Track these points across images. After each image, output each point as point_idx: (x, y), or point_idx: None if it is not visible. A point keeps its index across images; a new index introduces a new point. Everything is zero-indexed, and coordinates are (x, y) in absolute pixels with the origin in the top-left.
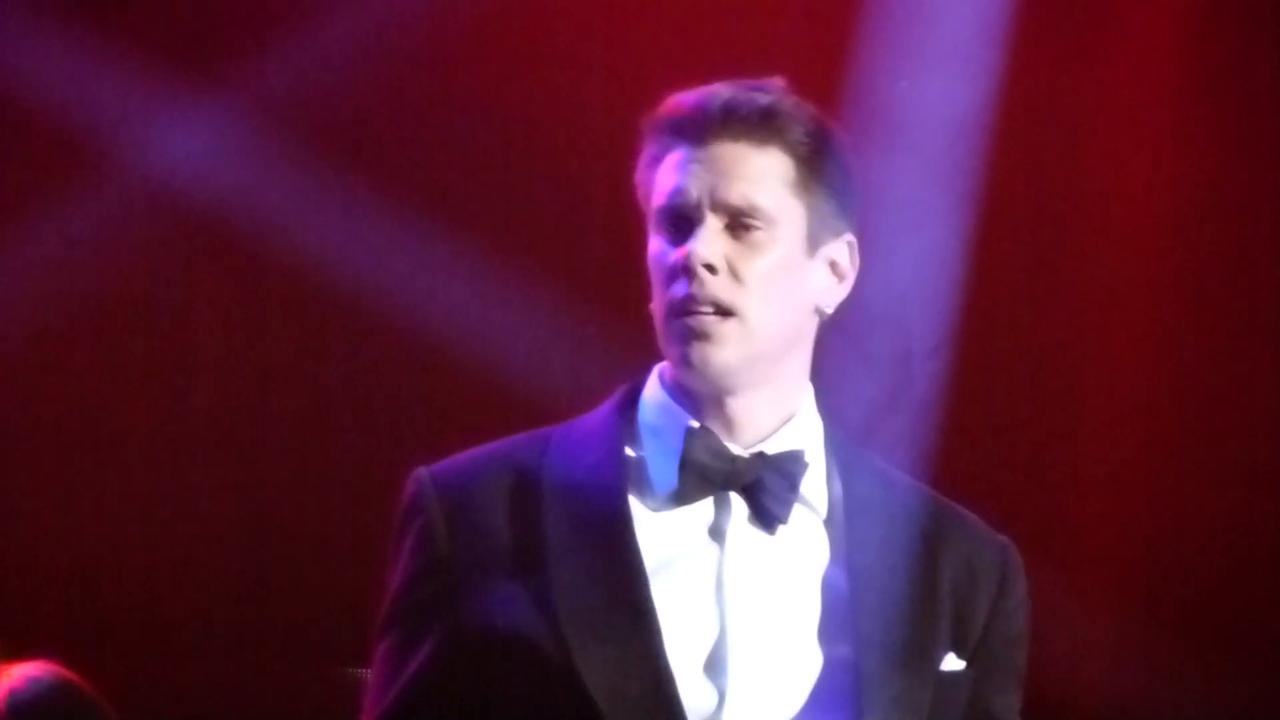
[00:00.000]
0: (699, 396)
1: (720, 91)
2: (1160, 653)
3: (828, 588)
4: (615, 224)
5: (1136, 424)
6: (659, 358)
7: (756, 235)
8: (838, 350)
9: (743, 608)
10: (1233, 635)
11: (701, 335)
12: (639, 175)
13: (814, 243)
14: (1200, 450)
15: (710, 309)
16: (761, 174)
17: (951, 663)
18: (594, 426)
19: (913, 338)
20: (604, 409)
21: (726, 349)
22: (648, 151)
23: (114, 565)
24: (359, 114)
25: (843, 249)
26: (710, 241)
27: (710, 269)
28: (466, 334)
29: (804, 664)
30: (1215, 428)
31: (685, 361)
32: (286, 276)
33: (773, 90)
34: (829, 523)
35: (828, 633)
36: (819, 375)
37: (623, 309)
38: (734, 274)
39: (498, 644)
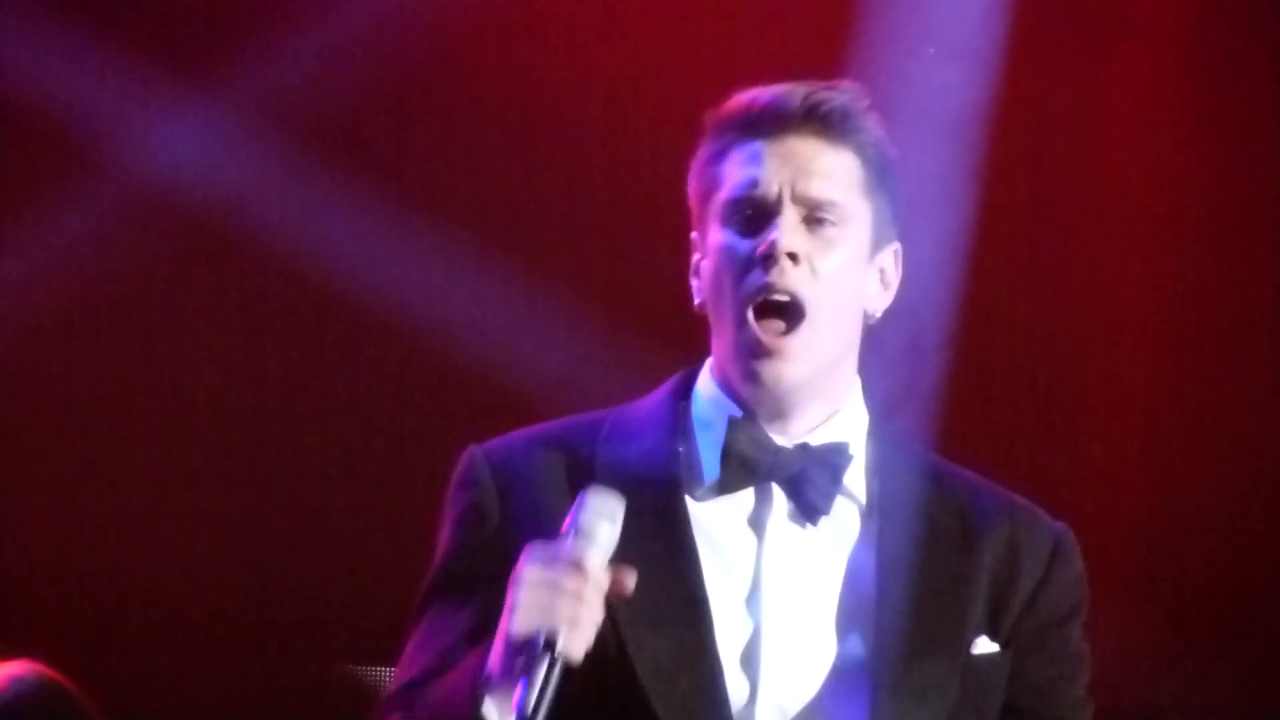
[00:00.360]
0: (753, 397)
1: (796, 89)
2: (1160, 647)
3: (856, 577)
4: (615, 223)
5: (1137, 419)
6: (659, 355)
7: (830, 231)
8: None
9: (778, 602)
10: (1232, 630)
11: (772, 352)
12: (697, 171)
13: (875, 247)
14: (1200, 445)
15: (785, 298)
16: (836, 172)
17: (984, 645)
18: (647, 414)
19: (923, 329)
20: (657, 396)
21: (797, 365)
22: (710, 148)
23: (114, 565)
24: (357, 114)
25: (890, 257)
26: (792, 231)
27: (793, 258)
28: (466, 333)
29: (831, 654)
30: (1215, 423)
31: (754, 378)
32: (286, 277)
33: (847, 92)
34: (868, 513)
35: (850, 622)
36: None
37: (622, 308)
38: (811, 268)
39: None
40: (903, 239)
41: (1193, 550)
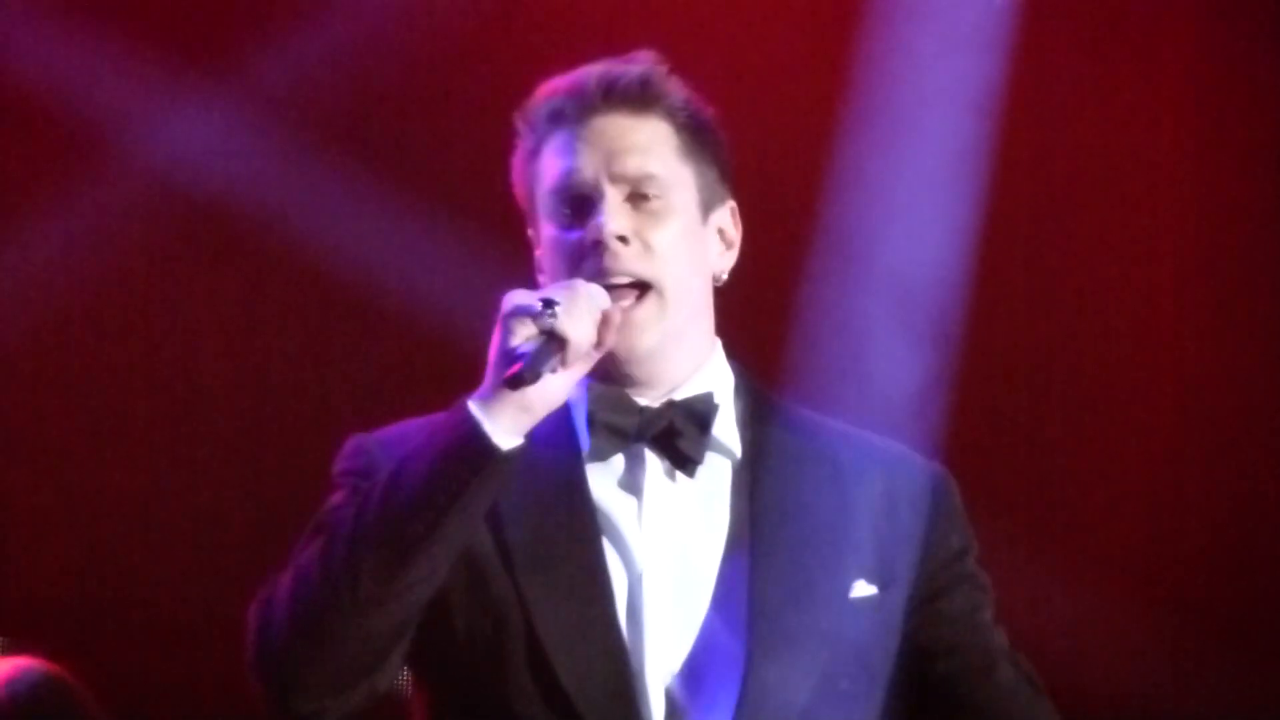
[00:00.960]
0: (608, 372)
1: (591, 70)
2: (1163, 639)
3: (734, 529)
4: None
5: (1138, 413)
6: None
7: (656, 204)
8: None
9: (659, 562)
10: (1234, 621)
11: (623, 325)
12: (518, 170)
13: (706, 209)
14: (1201, 439)
15: (625, 280)
16: (650, 143)
17: (863, 589)
18: None
19: (943, 316)
20: None
21: (649, 334)
22: (524, 146)
23: (116, 562)
24: (363, 108)
25: (727, 216)
26: (616, 214)
27: (623, 240)
28: (471, 325)
29: (711, 604)
30: (1215, 416)
31: (606, 353)
32: (291, 270)
33: (643, 61)
34: (741, 466)
35: (728, 574)
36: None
37: None
38: (644, 245)
39: (452, 590)
40: (738, 196)
41: (1195, 541)
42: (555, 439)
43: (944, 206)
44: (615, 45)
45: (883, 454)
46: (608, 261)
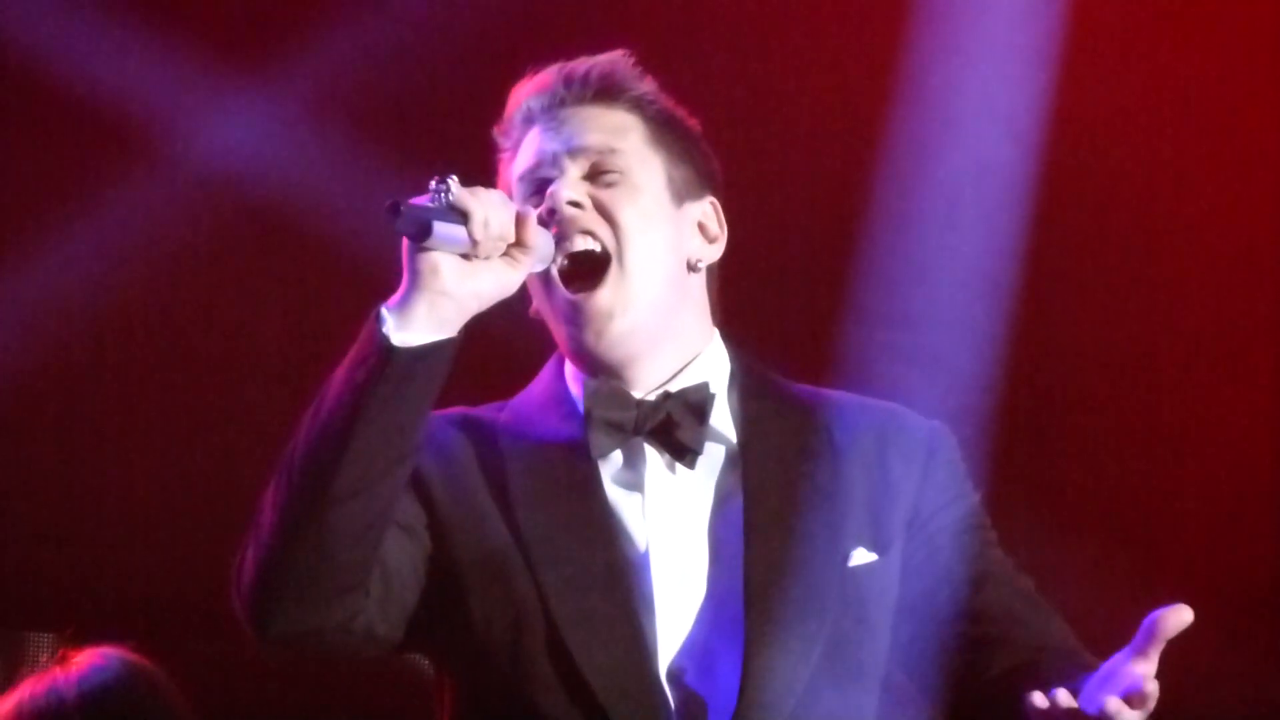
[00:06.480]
0: (595, 362)
1: (556, 68)
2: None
3: (730, 515)
4: None
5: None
6: None
7: (616, 177)
8: (905, 347)
9: (665, 554)
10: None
11: (586, 311)
12: (501, 179)
13: (678, 196)
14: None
15: (583, 246)
16: (615, 127)
17: (862, 556)
18: (538, 397)
19: (979, 330)
20: (542, 380)
21: (618, 315)
22: (504, 152)
23: (184, 560)
24: (408, 102)
25: (708, 210)
26: (571, 184)
27: (574, 204)
28: (517, 317)
29: (708, 589)
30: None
31: (578, 345)
32: (339, 263)
33: (609, 57)
34: (738, 451)
35: (725, 558)
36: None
37: None
38: (604, 215)
39: (475, 578)
40: (720, 195)
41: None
42: (567, 436)
43: (990, 218)
44: (658, 45)
45: (878, 416)
46: (564, 226)
